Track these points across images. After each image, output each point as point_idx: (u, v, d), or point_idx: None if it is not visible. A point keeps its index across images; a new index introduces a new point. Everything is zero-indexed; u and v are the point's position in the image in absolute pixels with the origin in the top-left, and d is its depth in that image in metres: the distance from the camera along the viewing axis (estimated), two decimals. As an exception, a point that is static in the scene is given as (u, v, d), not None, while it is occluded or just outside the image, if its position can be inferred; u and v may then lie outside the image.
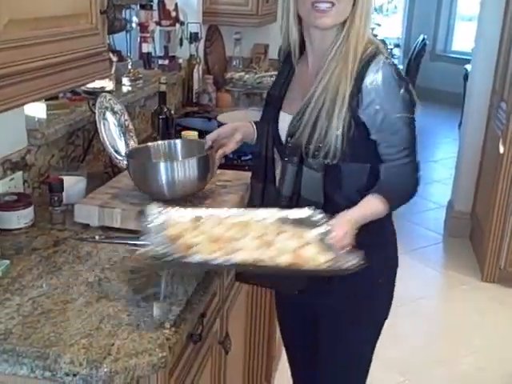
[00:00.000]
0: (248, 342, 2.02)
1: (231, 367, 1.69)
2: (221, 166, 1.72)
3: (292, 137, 1.44)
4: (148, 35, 2.64)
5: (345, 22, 1.39)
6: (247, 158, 2.09)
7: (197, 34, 2.93)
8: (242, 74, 3.22)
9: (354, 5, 1.38)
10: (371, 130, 1.41)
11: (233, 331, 1.65)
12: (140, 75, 2.49)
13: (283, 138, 1.48)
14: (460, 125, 5.48)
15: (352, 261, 1.21)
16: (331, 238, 1.28)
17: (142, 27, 2.61)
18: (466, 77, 5.67)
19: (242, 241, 1.22)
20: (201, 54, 3.16)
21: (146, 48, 2.64)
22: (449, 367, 2.65)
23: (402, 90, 1.39)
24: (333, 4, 1.35)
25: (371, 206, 1.40)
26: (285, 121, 1.48)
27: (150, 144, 1.79)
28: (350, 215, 1.35)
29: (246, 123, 1.65)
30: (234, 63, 3.41)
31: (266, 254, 1.18)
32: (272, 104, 1.54)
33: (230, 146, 1.63)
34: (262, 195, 1.55)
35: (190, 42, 2.94)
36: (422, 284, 3.41)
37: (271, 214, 1.35)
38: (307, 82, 1.46)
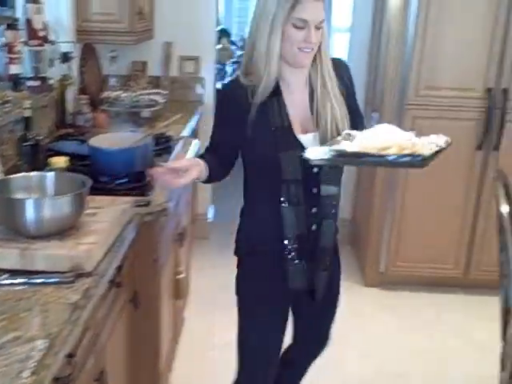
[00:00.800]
0: (130, 371, 1.97)
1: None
2: (92, 191, 1.67)
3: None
4: (15, 56, 2.53)
5: None
6: (122, 181, 2.05)
7: (68, 53, 2.85)
8: (119, 92, 3.17)
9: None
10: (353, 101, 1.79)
11: (112, 365, 1.61)
12: (8, 98, 2.38)
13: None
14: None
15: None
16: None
17: (9, 48, 2.51)
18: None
19: None
20: (76, 73, 3.08)
21: (13, 69, 2.54)
22: (333, 371, 2.73)
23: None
24: (313, 48, 1.62)
25: None
26: (309, 139, 1.67)
27: (16, 176, 1.71)
28: None
29: (199, 161, 1.68)
30: (111, 82, 3.35)
31: None
32: (284, 135, 1.66)
33: (183, 181, 1.61)
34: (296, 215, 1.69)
35: (62, 62, 2.85)
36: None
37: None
38: (300, 101, 1.70)
